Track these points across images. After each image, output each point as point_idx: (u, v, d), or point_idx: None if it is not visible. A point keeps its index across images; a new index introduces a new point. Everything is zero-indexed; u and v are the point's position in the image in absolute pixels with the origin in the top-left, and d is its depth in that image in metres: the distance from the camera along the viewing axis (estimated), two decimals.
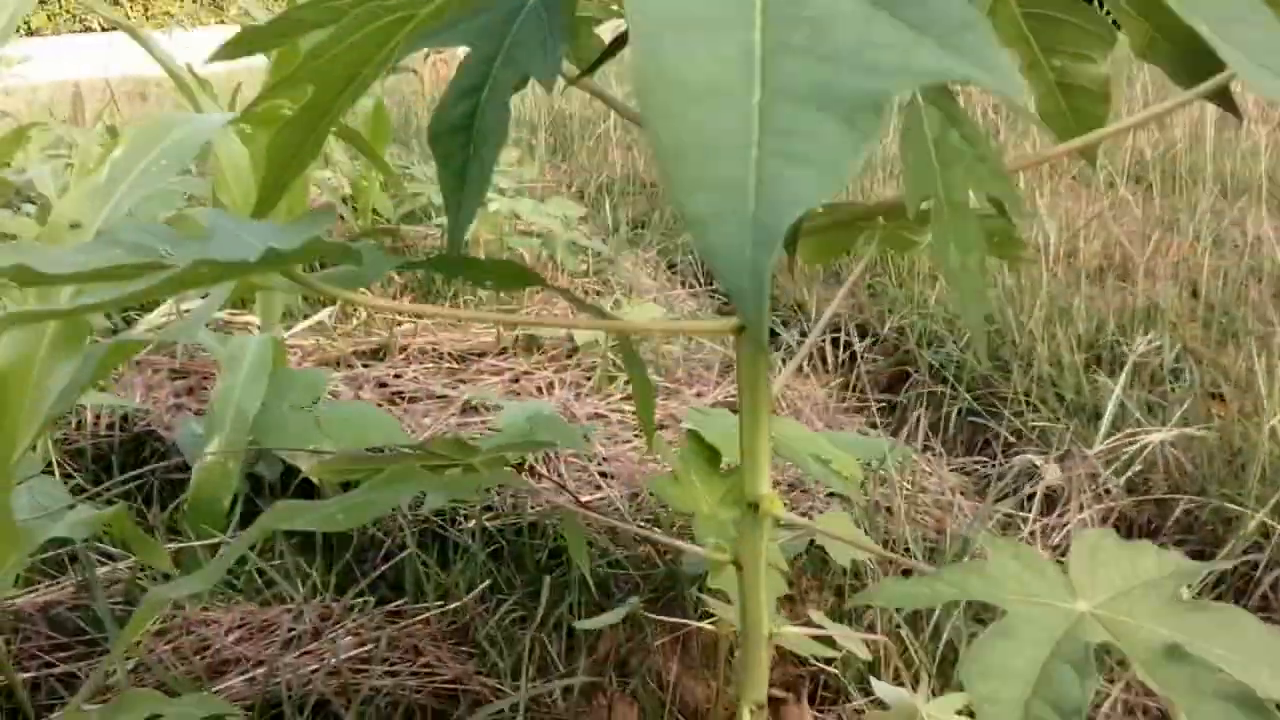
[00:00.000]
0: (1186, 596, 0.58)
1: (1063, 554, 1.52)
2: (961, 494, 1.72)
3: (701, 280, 2.95)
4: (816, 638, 1.01)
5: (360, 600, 1.39)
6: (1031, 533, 1.56)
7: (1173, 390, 1.97)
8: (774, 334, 2.50)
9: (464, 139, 0.62)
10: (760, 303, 0.31)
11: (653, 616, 1.34)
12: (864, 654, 1.13)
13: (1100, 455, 1.65)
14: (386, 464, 0.94)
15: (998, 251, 1.00)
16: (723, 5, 0.35)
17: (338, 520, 0.86)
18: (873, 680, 1.00)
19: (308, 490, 1.59)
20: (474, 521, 1.57)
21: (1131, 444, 1.66)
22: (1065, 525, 1.57)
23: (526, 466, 1.74)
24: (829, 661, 1.30)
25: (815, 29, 0.34)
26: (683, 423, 1.92)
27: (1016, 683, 0.50)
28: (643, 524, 1.57)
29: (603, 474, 1.76)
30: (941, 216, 0.65)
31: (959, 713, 0.92)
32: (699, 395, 2.07)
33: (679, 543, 0.86)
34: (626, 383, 2.09)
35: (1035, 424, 1.94)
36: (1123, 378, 1.78)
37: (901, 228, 0.99)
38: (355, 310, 2.41)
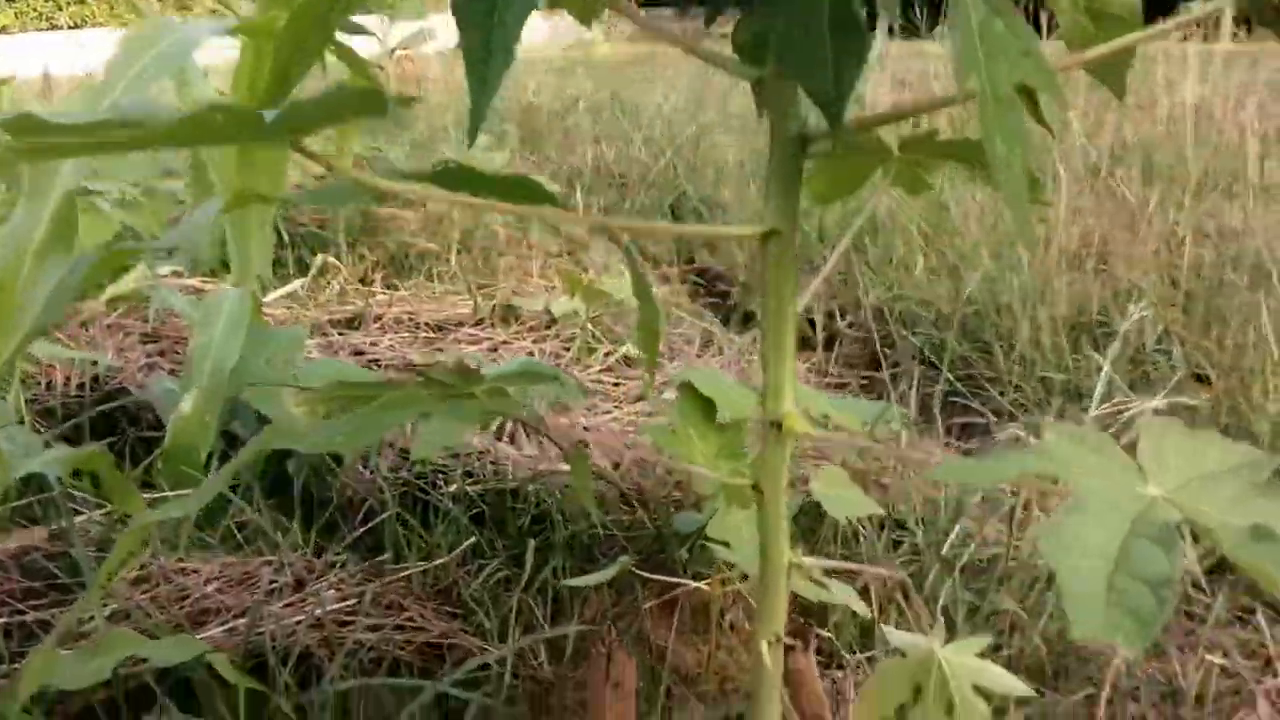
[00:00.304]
0: None
1: None
2: None
3: (677, 265, 2.93)
4: (828, 582, 0.99)
5: (341, 557, 1.35)
6: (1025, 504, 1.53)
7: (1155, 369, 1.96)
8: (751, 316, 2.48)
9: (488, 5, 0.59)
10: None
11: (642, 574, 1.31)
12: (863, 609, 1.10)
13: (1096, 421, 1.63)
14: (382, 390, 0.90)
15: None
16: None
17: (337, 442, 0.83)
18: (884, 628, 0.97)
19: (284, 449, 1.54)
20: (455, 486, 1.53)
21: (1122, 413, 1.64)
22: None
23: (508, 435, 1.70)
24: (823, 624, 1.28)
25: None
26: (663, 394, 1.90)
27: (1097, 558, 0.47)
28: (629, 489, 1.54)
29: (584, 444, 1.72)
30: (987, 108, 0.62)
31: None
32: (679, 369, 2.04)
33: (692, 467, 0.83)
34: (606, 354, 2.06)
35: (1020, 401, 1.93)
36: (1112, 350, 1.77)
37: (916, 163, 0.96)
38: (329, 281, 2.37)
